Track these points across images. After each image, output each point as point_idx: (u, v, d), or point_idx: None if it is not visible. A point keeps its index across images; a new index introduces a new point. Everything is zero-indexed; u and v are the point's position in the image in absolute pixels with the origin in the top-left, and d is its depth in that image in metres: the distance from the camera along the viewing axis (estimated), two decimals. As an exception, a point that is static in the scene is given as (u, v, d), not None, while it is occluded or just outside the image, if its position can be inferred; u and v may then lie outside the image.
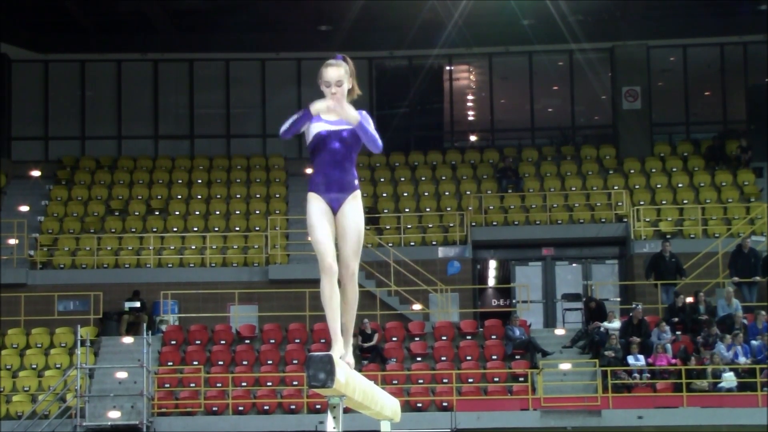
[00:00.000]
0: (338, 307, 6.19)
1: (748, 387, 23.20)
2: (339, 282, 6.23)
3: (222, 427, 23.41)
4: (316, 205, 6.22)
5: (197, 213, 29.94)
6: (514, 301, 29.18)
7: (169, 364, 24.85)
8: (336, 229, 6.23)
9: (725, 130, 32.39)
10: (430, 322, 26.80)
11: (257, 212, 29.84)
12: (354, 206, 6.24)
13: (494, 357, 24.94)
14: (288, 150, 31.90)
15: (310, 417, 23.27)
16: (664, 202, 29.27)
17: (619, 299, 28.50)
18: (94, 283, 27.37)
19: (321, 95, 6.31)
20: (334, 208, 6.22)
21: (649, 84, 31.60)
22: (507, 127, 33.47)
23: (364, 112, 6.29)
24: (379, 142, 6.23)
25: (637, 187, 29.87)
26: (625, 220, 28.58)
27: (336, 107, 6.16)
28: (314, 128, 6.25)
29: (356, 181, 6.27)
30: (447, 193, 30.14)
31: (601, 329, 24.76)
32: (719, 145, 31.01)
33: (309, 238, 6.38)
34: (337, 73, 6.23)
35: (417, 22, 29.67)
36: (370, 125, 6.24)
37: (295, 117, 6.20)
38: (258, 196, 30.56)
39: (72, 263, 28.25)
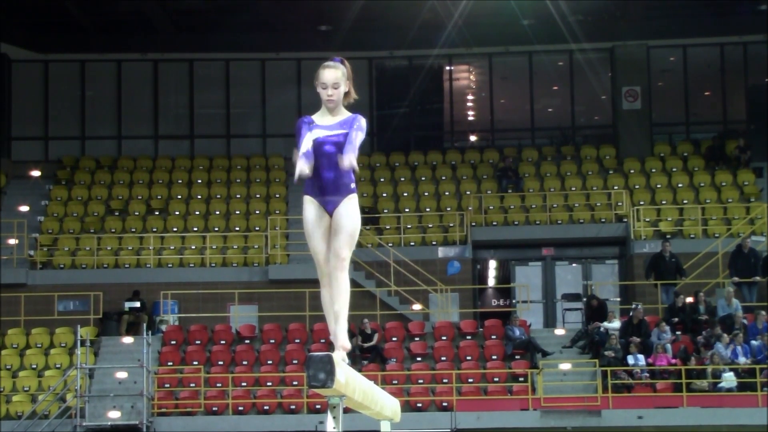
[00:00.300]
0: None
1: (748, 387, 23.20)
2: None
3: (222, 427, 23.41)
4: (311, 210, 6.17)
5: (197, 213, 29.94)
6: (514, 301, 29.18)
7: (169, 364, 24.85)
8: (331, 228, 6.18)
9: (725, 130, 32.39)
10: (430, 322, 26.80)
11: (257, 212, 29.84)
12: (349, 206, 6.15)
13: (494, 357, 24.94)
14: (288, 150, 31.87)
15: (310, 417, 23.27)
16: (664, 202, 29.28)
17: (619, 299, 28.49)
18: (94, 283, 27.37)
19: (318, 96, 6.27)
20: (329, 210, 6.15)
21: (649, 84, 31.60)
22: (507, 127, 33.47)
23: (359, 117, 6.25)
24: (353, 149, 6.13)
25: (637, 187, 29.88)
26: (625, 220, 28.58)
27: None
28: (310, 134, 6.22)
29: (352, 185, 6.19)
30: (447, 193, 30.15)
31: (601, 329, 24.76)
32: (719, 145, 31.01)
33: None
34: (334, 75, 6.17)
35: (417, 22, 29.68)
36: (359, 135, 6.15)
37: (298, 154, 6.17)
38: (258, 196, 30.57)
39: (72, 263, 28.26)
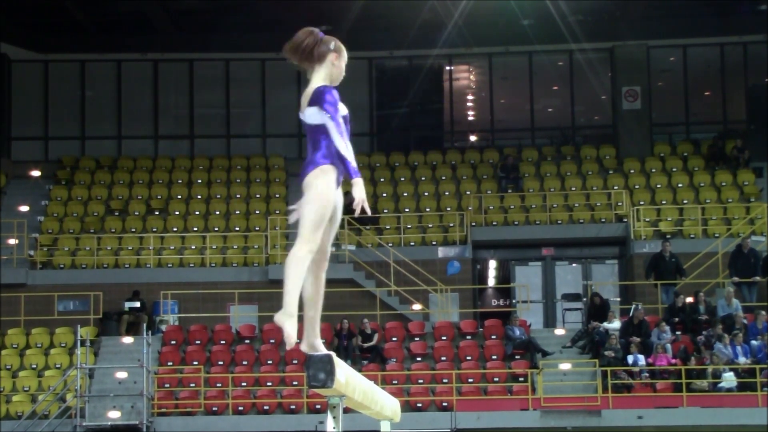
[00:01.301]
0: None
1: (748, 387, 23.20)
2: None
3: (222, 427, 23.40)
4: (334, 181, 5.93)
5: (197, 213, 29.94)
6: (514, 301, 29.18)
7: (169, 364, 24.85)
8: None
9: (725, 130, 32.39)
10: (430, 322, 26.79)
11: (257, 212, 29.84)
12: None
13: (494, 357, 24.93)
14: (288, 150, 31.91)
15: (310, 417, 23.27)
16: (664, 202, 29.27)
17: (619, 299, 28.49)
18: (94, 283, 27.36)
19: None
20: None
21: (649, 84, 31.59)
22: (507, 127, 33.48)
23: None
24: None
25: (637, 187, 29.87)
26: (625, 220, 28.57)
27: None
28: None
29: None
30: (447, 193, 30.14)
31: (601, 329, 24.76)
32: (719, 145, 31.01)
33: None
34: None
35: (417, 22, 29.68)
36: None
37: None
38: (258, 196, 30.57)
39: (72, 263, 28.25)
